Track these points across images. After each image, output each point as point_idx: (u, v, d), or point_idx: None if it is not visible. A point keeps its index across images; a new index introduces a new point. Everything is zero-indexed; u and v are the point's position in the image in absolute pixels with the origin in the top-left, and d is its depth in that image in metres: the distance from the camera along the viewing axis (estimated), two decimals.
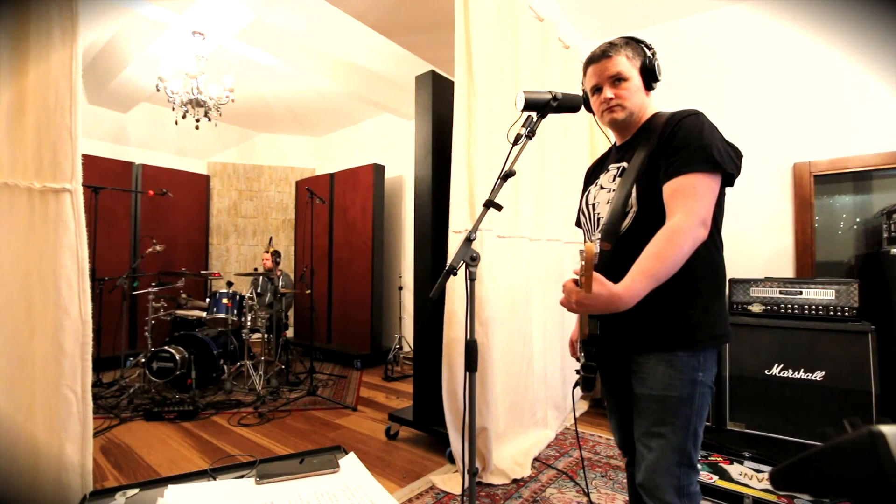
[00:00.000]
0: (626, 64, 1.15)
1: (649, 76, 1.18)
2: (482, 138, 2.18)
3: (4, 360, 1.18)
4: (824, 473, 0.48)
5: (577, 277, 0.95)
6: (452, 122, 2.19)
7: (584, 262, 0.87)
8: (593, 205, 1.24)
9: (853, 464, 0.45)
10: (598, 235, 1.16)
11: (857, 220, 2.72)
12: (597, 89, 1.20)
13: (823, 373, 2.13)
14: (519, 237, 2.43)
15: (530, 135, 1.21)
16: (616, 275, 0.98)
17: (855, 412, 2.06)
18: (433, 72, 2.60)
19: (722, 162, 1.01)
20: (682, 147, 1.03)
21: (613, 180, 1.19)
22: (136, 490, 1.07)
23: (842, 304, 2.22)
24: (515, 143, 1.21)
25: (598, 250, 1.12)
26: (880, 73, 2.56)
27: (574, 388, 1.25)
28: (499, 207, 1.21)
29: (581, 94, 1.29)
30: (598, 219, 1.19)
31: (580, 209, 1.33)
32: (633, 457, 1.25)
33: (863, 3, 2.45)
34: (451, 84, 2.37)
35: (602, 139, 3.51)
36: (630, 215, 1.10)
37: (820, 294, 2.28)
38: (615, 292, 0.92)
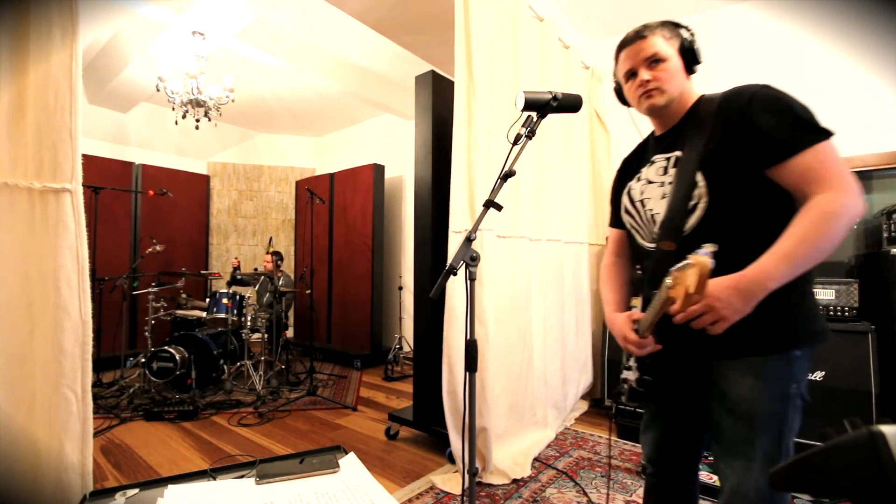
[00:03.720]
0: (664, 44, 1.05)
1: (690, 58, 1.07)
2: (482, 138, 2.18)
3: (4, 360, 1.18)
4: (824, 473, 0.48)
5: (646, 318, 0.89)
6: (452, 122, 2.19)
7: (690, 280, 0.76)
8: (641, 201, 1.12)
9: (853, 464, 0.45)
10: (657, 233, 1.06)
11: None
12: (632, 74, 1.08)
13: (823, 373, 2.13)
14: (519, 237, 2.43)
15: (530, 135, 1.20)
16: None
17: (855, 412, 2.06)
18: (433, 72, 2.59)
19: (828, 127, 0.90)
20: (781, 122, 0.91)
21: (664, 173, 1.08)
22: (136, 490, 1.07)
23: (842, 304, 2.21)
24: (515, 143, 1.21)
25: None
26: (880, 73, 2.56)
27: (618, 396, 1.16)
28: (499, 207, 1.21)
29: (579, 96, 1.25)
30: (653, 216, 1.08)
31: (622, 207, 1.20)
32: (663, 470, 1.19)
33: (863, 3, 2.45)
34: (451, 84, 2.37)
35: (603, 139, 3.51)
36: (699, 210, 0.98)
37: (820, 294, 2.28)
38: (750, 277, 0.82)
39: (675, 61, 1.05)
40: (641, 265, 1.17)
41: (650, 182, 1.11)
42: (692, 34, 1.08)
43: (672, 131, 1.11)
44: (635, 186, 1.16)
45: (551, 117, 1.32)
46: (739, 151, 0.94)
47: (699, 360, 1.03)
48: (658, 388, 1.11)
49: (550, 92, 1.22)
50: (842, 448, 0.46)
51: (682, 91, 1.07)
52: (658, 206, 1.07)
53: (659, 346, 1.03)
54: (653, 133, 1.20)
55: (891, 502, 0.41)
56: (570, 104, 1.24)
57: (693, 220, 0.99)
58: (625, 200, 1.19)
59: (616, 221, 1.28)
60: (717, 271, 0.90)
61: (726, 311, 0.84)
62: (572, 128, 3.08)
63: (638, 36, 1.06)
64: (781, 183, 0.93)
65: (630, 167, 1.23)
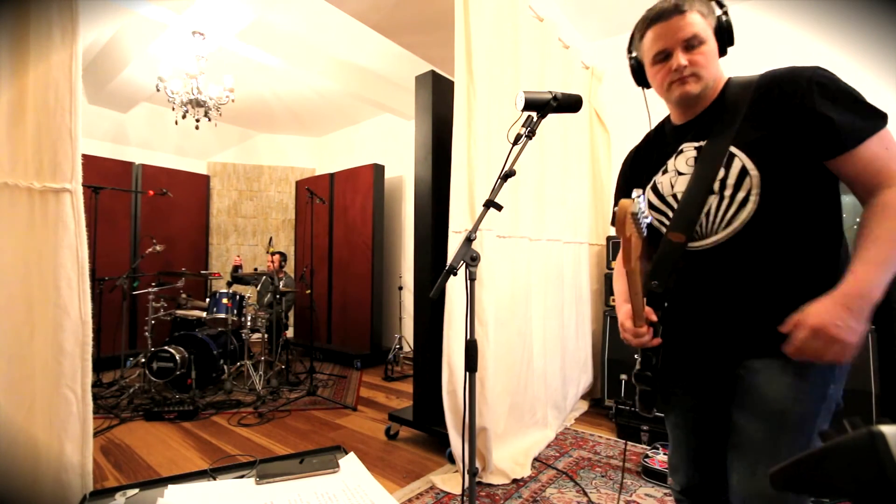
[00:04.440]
0: (702, 23, 0.94)
1: (724, 39, 0.98)
2: (482, 138, 2.18)
3: (4, 360, 1.18)
4: (824, 473, 0.48)
5: None
6: (452, 122, 2.19)
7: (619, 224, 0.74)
8: (674, 195, 1.02)
9: (853, 464, 0.45)
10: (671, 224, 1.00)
11: (857, 219, 2.72)
12: (664, 55, 0.97)
13: None
14: (519, 237, 2.43)
15: (530, 135, 1.20)
16: (731, 278, 0.88)
17: (855, 412, 2.06)
18: (433, 72, 2.59)
19: (882, 109, 0.84)
20: (846, 109, 0.84)
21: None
22: (136, 490, 1.07)
23: None
24: (515, 143, 1.21)
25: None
26: (880, 73, 2.56)
27: (638, 406, 1.07)
28: (499, 207, 1.21)
29: (579, 96, 1.23)
30: None
31: (649, 203, 1.08)
32: (697, 484, 1.07)
33: (863, 3, 2.45)
34: (451, 84, 2.37)
35: (603, 139, 3.51)
36: (751, 203, 0.90)
37: None
38: (855, 292, 0.76)
39: (712, 44, 0.96)
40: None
41: (681, 174, 1.02)
42: (726, 11, 0.98)
43: (700, 119, 1.01)
44: (663, 180, 1.05)
45: (551, 117, 1.31)
46: (797, 140, 0.87)
47: (728, 359, 0.96)
48: (678, 384, 1.06)
49: (550, 92, 1.22)
50: (842, 448, 0.46)
51: (716, 77, 0.99)
52: None
53: (658, 339, 0.98)
54: (667, 120, 1.12)
55: (891, 502, 0.41)
56: (570, 104, 1.24)
57: (745, 214, 0.90)
58: (650, 196, 1.07)
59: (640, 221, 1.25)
60: (770, 268, 0.89)
61: (847, 335, 0.77)
62: (572, 128, 3.08)
63: (676, 10, 0.93)
64: (842, 173, 0.87)
65: (646, 160, 1.12)
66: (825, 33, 2.70)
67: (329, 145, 6.51)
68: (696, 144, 1.00)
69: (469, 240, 1.16)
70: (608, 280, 3.11)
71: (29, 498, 1.17)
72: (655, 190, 1.07)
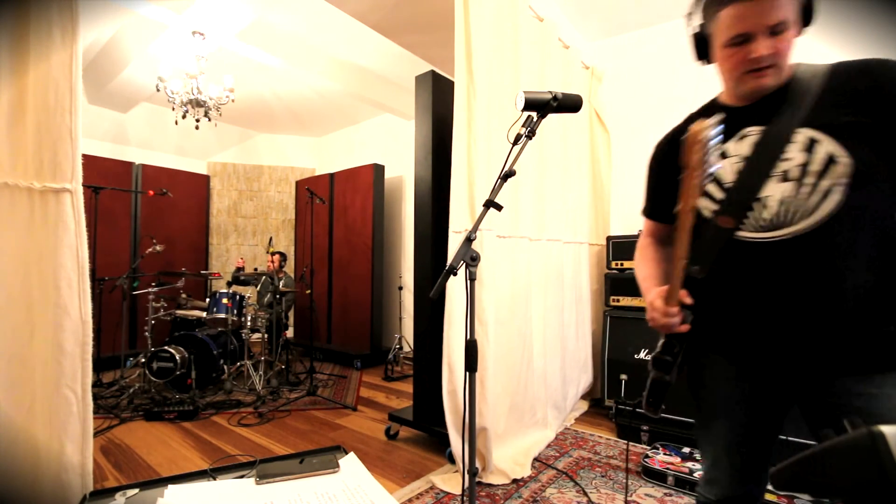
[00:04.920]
0: (790, 4, 0.83)
1: (805, 19, 0.88)
2: (482, 138, 2.18)
3: (4, 360, 1.18)
4: (825, 473, 0.48)
5: None
6: (452, 122, 2.19)
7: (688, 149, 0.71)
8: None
9: (853, 464, 0.45)
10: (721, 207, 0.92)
11: None
12: (743, 38, 0.86)
13: None
14: (519, 237, 2.43)
15: (530, 135, 1.20)
16: (821, 275, 0.81)
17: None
18: (433, 72, 2.60)
19: None
20: None
21: None
22: (136, 490, 1.07)
23: None
24: (515, 142, 1.21)
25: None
26: None
27: (645, 402, 1.01)
28: (499, 207, 1.21)
29: (579, 96, 1.23)
30: (764, 200, 0.90)
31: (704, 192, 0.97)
32: (736, 495, 1.01)
33: (863, 3, 2.45)
34: (451, 84, 2.37)
35: (603, 139, 3.51)
36: (837, 193, 0.82)
37: None
38: None
39: (796, 27, 0.86)
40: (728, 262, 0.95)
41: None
42: None
43: (766, 102, 0.91)
44: (725, 165, 0.94)
45: (551, 117, 1.32)
46: (891, 129, 0.81)
47: (820, 372, 0.86)
48: (692, 380, 0.99)
49: (550, 92, 1.22)
50: (842, 448, 0.46)
51: (790, 65, 0.90)
52: (770, 189, 0.88)
53: (686, 326, 0.91)
54: (717, 102, 1.02)
55: (891, 502, 0.41)
56: (570, 104, 1.24)
57: (831, 204, 0.82)
58: (710, 188, 0.96)
59: (659, 212, 1.12)
60: (868, 265, 0.81)
61: None
62: (572, 128, 3.08)
63: None
64: None
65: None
66: (825, 33, 2.70)
67: (329, 145, 6.51)
68: (762, 128, 0.90)
69: (469, 240, 1.16)
70: (608, 280, 3.11)
71: (29, 498, 1.17)
72: (715, 179, 0.96)
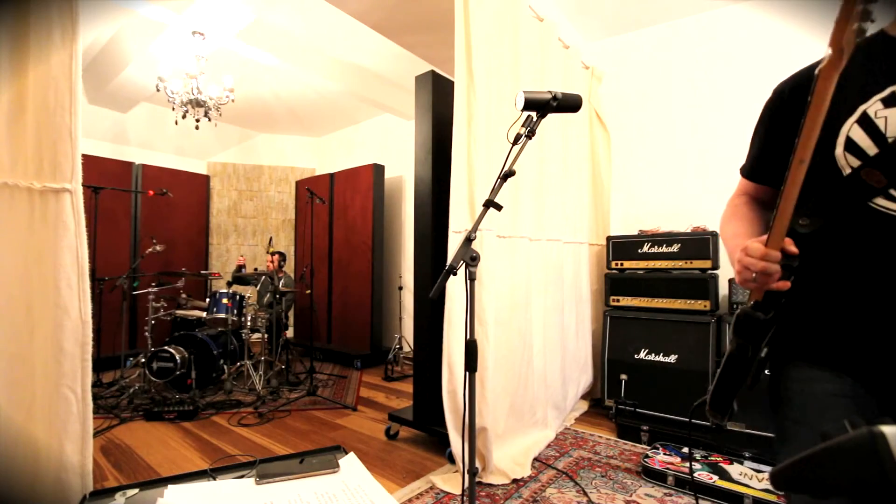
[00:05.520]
0: None
1: None
2: (482, 138, 2.18)
3: (4, 360, 1.18)
4: (824, 473, 0.48)
5: None
6: (452, 122, 2.19)
7: None
8: None
9: (853, 464, 0.45)
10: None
11: None
12: None
13: None
14: (519, 237, 2.43)
15: (530, 134, 1.20)
16: None
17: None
18: (433, 72, 2.60)
19: None
20: None
21: None
22: (136, 490, 1.07)
23: None
24: (515, 142, 1.21)
25: None
26: None
27: (704, 407, 0.84)
28: (499, 207, 1.21)
29: (579, 96, 1.23)
30: None
31: (852, 145, 0.74)
32: None
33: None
34: (451, 84, 2.37)
35: (603, 138, 3.50)
36: None
37: None
38: None
39: None
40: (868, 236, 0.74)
41: None
42: None
43: None
44: (889, 113, 0.71)
45: (551, 117, 1.32)
46: None
47: None
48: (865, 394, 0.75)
49: (550, 92, 1.22)
50: (842, 448, 0.46)
51: None
52: None
53: (787, 283, 0.72)
54: (884, 32, 0.79)
55: (891, 502, 0.41)
56: (569, 104, 1.25)
57: None
58: (857, 135, 0.74)
59: (765, 174, 0.92)
60: None
61: None
62: (572, 128, 3.08)
63: None
64: None
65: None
66: (825, 33, 2.70)
67: (329, 145, 6.52)
68: None
69: (469, 240, 1.16)
70: (608, 280, 3.11)
71: (29, 498, 1.17)
72: (869, 126, 0.73)
